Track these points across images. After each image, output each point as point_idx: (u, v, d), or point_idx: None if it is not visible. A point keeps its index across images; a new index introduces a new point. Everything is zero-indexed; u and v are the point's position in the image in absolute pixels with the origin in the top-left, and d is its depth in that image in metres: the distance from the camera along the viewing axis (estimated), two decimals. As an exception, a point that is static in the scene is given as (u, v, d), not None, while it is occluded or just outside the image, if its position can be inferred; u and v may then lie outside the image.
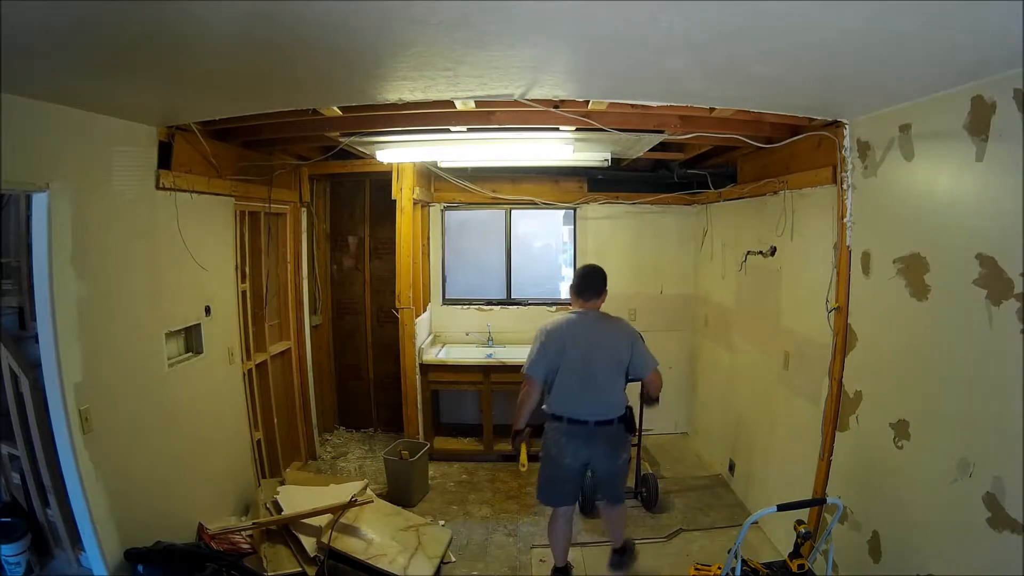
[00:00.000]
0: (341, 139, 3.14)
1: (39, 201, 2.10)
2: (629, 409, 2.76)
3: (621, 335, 2.74)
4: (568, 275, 5.14)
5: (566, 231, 5.24)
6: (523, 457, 2.96)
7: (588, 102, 2.38)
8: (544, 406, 2.76)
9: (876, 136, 2.37)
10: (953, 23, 1.38)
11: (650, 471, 3.68)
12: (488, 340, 4.86)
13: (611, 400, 2.70)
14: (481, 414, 4.55)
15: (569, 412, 2.69)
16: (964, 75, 1.78)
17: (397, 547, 2.95)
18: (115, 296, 2.44)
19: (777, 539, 3.22)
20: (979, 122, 1.80)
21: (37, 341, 2.19)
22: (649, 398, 2.85)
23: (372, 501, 3.16)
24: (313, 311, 4.66)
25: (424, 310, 4.69)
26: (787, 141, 2.91)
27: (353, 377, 5.18)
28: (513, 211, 4.99)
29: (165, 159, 2.68)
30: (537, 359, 2.69)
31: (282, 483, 3.39)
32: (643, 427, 5.00)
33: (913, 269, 2.14)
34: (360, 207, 5.03)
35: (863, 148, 2.46)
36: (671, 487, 3.90)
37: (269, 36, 1.56)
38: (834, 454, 2.67)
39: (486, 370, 4.40)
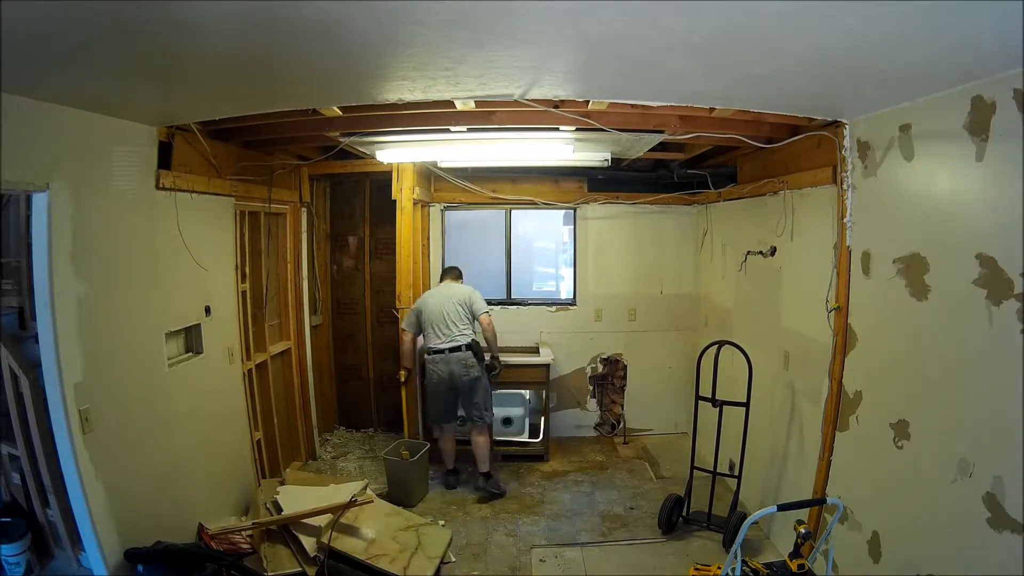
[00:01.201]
0: (341, 139, 3.14)
1: (39, 201, 2.10)
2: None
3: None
4: (568, 275, 5.15)
5: (566, 231, 5.24)
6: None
7: (588, 102, 2.38)
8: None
9: (876, 136, 2.37)
10: (953, 23, 1.38)
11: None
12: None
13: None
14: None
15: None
16: (964, 75, 1.78)
17: (397, 547, 2.95)
18: (115, 296, 2.44)
19: (777, 539, 3.22)
20: (979, 122, 1.80)
21: (37, 341, 2.19)
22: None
23: (372, 501, 3.16)
24: (313, 311, 4.65)
25: (424, 310, 4.68)
26: (787, 141, 2.91)
27: (353, 377, 5.18)
28: (513, 211, 4.99)
29: (165, 159, 2.68)
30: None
31: (282, 483, 3.39)
32: (644, 427, 5.04)
33: (913, 269, 2.14)
34: (360, 207, 5.03)
35: (863, 148, 2.46)
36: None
37: (269, 36, 1.56)
38: (834, 454, 2.68)
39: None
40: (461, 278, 4.23)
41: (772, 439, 3.33)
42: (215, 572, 2.47)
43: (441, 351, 3.83)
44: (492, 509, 3.75)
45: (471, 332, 3.93)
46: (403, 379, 4.08)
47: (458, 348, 3.84)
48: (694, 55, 1.72)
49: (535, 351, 4.78)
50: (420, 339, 4.10)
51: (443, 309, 3.88)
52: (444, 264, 5.00)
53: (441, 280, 4.22)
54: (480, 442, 3.94)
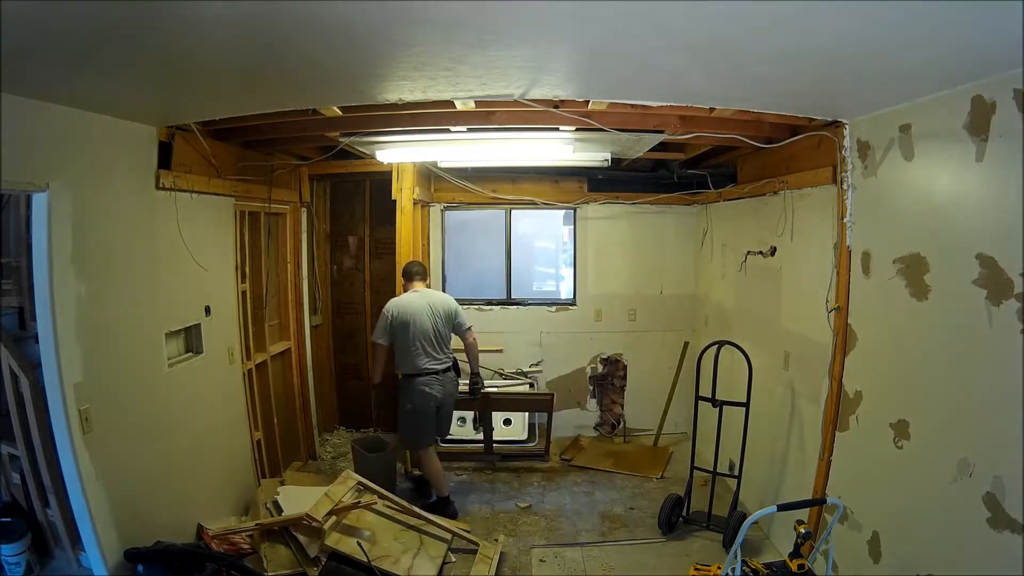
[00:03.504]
0: (341, 139, 3.14)
1: (39, 201, 2.10)
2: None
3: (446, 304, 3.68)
4: (568, 275, 5.15)
5: (566, 231, 5.24)
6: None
7: (588, 102, 2.38)
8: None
9: (876, 136, 2.37)
10: (953, 23, 1.38)
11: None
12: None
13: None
14: (480, 414, 4.57)
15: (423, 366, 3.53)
16: (964, 75, 1.78)
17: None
18: (115, 296, 2.44)
19: (777, 539, 3.22)
20: (979, 122, 1.80)
21: (37, 341, 2.19)
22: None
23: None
24: (313, 311, 4.65)
25: (424, 310, 4.68)
26: (787, 141, 2.91)
27: (353, 377, 5.18)
28: (513, 211, 4.99)
29: (165, 159, 2.68)
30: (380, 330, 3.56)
31: (282, 483, 3.39)
32: (644, 427, 5.04)
33: (913, 269, 2.14)
34: (360, 207, 5.03)
35: (863, 148, 2.46)
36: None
37: (269, 36, 1.56)
38: (834, 454, 2.67)
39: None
40: (427, 278, 3.84)
41: (772, 439, 3.33)
42: (215, 572, 2.47)
43: (435, 372, 3.53)
44: (492, 509, 3.75)
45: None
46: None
47: (449, 368, 3.63)
48: (694, 55, 1.72)
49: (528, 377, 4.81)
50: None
51: (433, 323, 3.53)
52: (445, 264, 5.01)
53: (409, 281, 3.69)
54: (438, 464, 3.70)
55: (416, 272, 3.73)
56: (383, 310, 3.56)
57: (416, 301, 3.57)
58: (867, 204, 2.47)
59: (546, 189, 4.82)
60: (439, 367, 3.56)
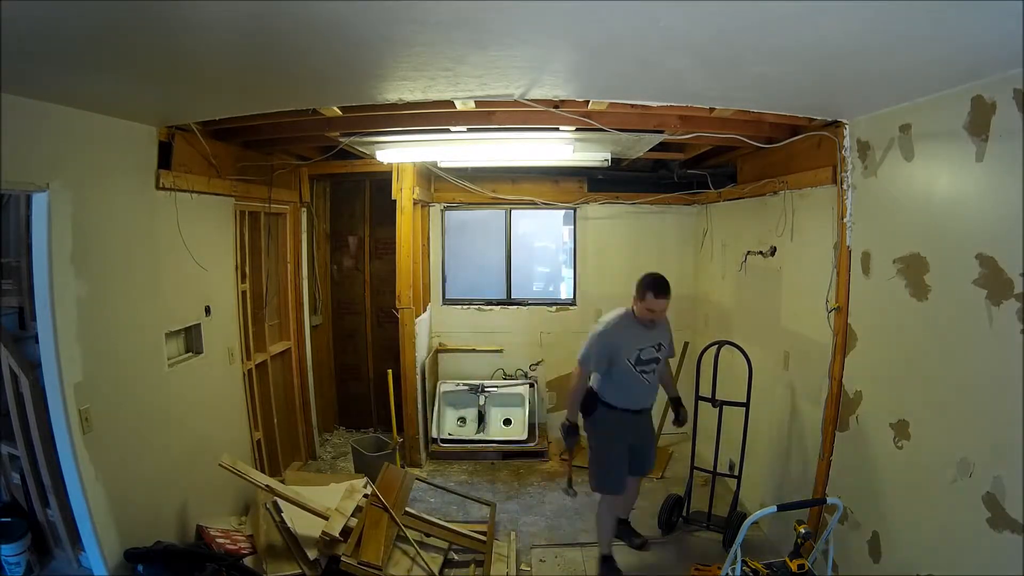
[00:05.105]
0: (341, 139, 3.14)
1: (39, 201, 2.10)
2: None
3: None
4: (568, 275, 5.15)
5: (566, 231, 5.24)
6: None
7: (588, 102, 2.38)
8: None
9: (876, 136, 2.37)
10: (953, 23, 1.38)
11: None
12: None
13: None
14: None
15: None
16: (964, 75, 1.78)
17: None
18: (115, 296, 2.44)
19: (777, 539, 3.22)
20: (979, 122, 1.80)
21: (37, 341, 2.19)
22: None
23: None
24: (313, 311, 4.65)
25: (424, 310, 4.69)
26: (787, 141, 2.91)
27: (353, 377, 5.18)
28: (513, 211, 5.00)
29: (165, 159, 2.68)
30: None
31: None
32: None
33: (913, 269, 2.14)
34: (360, 207, 5.03)
35: (863, 148, 2.46)
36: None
37: (269, 36, 1.56)
38: (834, 454, 2.67)
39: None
40: None
41: (772, 439, 3.33)
42: (215, 572, 2.47)
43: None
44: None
45: None
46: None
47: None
48: (694, 55, 1.72)
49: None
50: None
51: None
52: (445, 264, 5.01)
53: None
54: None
55: None
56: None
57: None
58: (867, 204, 2.46)
59: (546, 189, 4.82)
60: None
